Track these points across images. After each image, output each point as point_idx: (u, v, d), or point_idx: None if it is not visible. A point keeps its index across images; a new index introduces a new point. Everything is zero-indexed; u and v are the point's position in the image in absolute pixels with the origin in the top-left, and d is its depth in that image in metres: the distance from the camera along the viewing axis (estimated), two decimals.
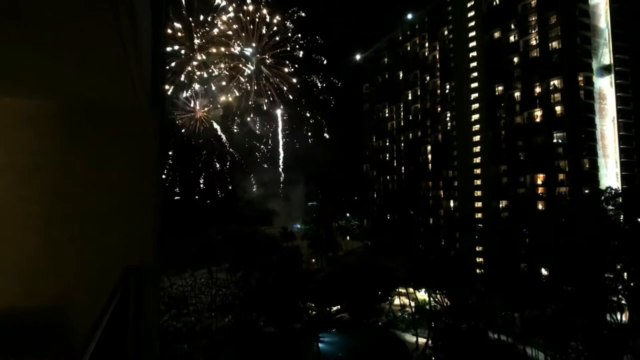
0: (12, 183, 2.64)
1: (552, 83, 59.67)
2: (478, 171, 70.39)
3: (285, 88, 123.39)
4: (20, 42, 1.88)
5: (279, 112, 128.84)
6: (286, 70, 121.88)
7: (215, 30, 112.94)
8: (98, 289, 2.56)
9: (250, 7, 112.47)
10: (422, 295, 59.06)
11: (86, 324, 2.62)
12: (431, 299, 53.59)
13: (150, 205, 2.87)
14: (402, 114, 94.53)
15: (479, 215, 67.86)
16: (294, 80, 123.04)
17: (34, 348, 2.60)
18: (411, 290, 59.60)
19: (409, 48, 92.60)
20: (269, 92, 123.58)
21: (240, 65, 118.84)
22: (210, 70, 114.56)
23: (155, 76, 2.76)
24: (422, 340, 51.58)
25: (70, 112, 2.69)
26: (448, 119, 79.46)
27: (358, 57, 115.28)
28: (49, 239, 2.66)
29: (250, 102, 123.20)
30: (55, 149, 2.69)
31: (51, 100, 2.66)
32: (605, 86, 59.19)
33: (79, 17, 1.70)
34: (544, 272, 47.50)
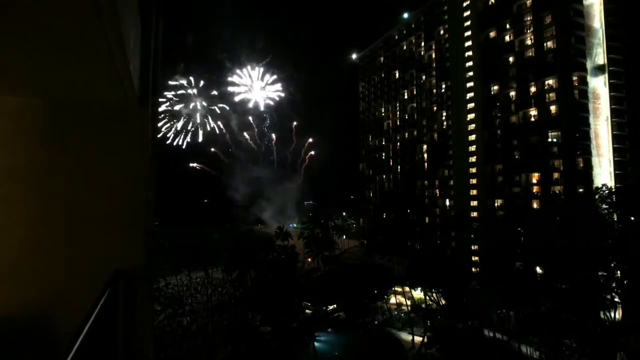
0: None
1: (547, 82, 60.02)
2: (473, 170, 70.66)
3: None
4: (2, 39, 1.81)
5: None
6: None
7: None
8: (86, 293, 2.49)
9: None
10: (418, 294, 59.25)
11: (74, 328, 2.57)
12: (427, 297, 53.77)
13: (140, 207, 2.80)
14: (398, 113, 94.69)
15: (475, 214, 68.17)
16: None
17: (20, 352, 2.53)
18: (407, 289, 59.76)
19: (405, 47, 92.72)
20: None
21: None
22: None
23: (144, 74, 2.69)
24: (418, 339, 51.76)
25: (55, 110, 2.61)
26: (444, 118, 79.68)
27: (354, 56, 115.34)
28: (34, 240, 2.58)
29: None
30: (40, 148, 2.61)
31: (36, 98, 2.58)
32: (599, 86, 59.62)
33: (62, 14, 1.65)
34: (538, 270, 47.82)
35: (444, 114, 79.57)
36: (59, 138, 2.64)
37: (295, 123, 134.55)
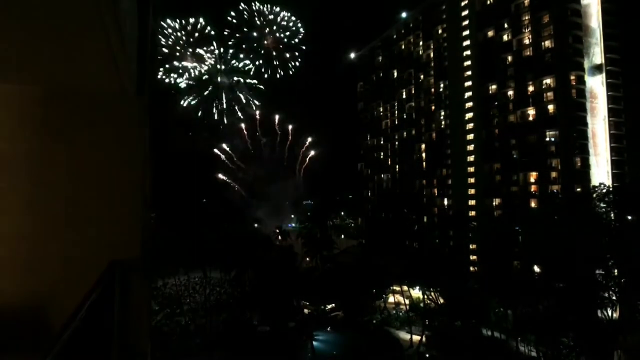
0: None
1: (544, 82, 60.18)
2: (472, 169, 70.82)
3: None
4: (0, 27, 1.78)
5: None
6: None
7: None
8: (82, 284, 2.45)
9: None
10: (416, 293, 59.35)
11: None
12: (425, 296, 53.86)
13: (137, 197, 2.76)
14: (396, 112, 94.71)
15: (473, 213, 68.28)
16: None
17: (15, 344, 2.49)
18: (405, 288, 59.84)
19: (403, 47, 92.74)
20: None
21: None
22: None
23: (141, 62, 2.65)
24: (416, 338, 51.82)
25: (52, 98, 2.57)
26: (442, 117, 79.79)
27: (352, 55, 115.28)
28: (28, 231, 2.53)
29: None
30: (36, 136, 2.56)
31: (32, 85, 2.53)
32: (596, 85, 59.83)
33: (59, 2, 1.62)
34: (536, 269, 47.94)
35: (442, 113, 79.66)
36: (54, 127, 2.59)
37: (291, 126, 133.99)
